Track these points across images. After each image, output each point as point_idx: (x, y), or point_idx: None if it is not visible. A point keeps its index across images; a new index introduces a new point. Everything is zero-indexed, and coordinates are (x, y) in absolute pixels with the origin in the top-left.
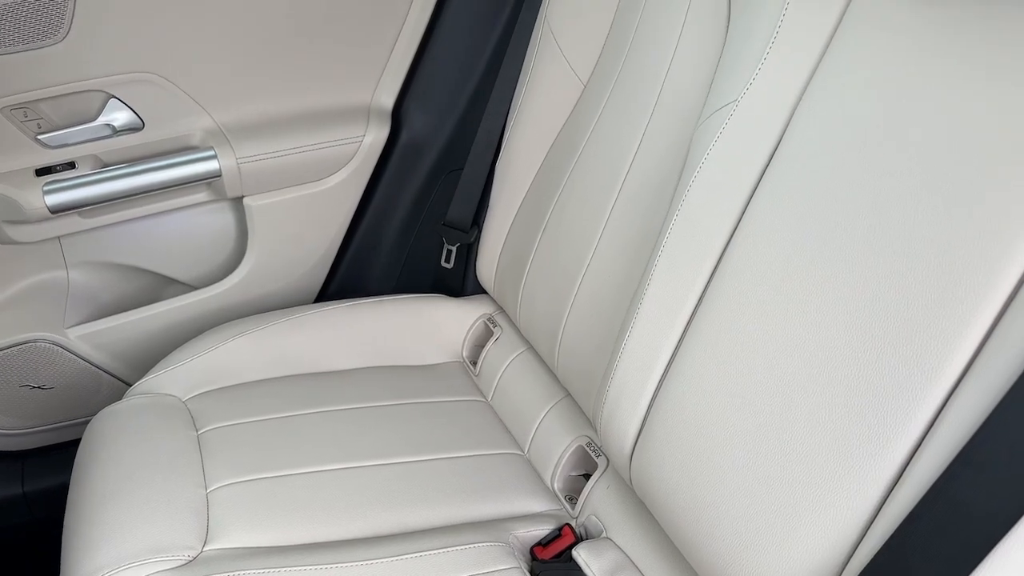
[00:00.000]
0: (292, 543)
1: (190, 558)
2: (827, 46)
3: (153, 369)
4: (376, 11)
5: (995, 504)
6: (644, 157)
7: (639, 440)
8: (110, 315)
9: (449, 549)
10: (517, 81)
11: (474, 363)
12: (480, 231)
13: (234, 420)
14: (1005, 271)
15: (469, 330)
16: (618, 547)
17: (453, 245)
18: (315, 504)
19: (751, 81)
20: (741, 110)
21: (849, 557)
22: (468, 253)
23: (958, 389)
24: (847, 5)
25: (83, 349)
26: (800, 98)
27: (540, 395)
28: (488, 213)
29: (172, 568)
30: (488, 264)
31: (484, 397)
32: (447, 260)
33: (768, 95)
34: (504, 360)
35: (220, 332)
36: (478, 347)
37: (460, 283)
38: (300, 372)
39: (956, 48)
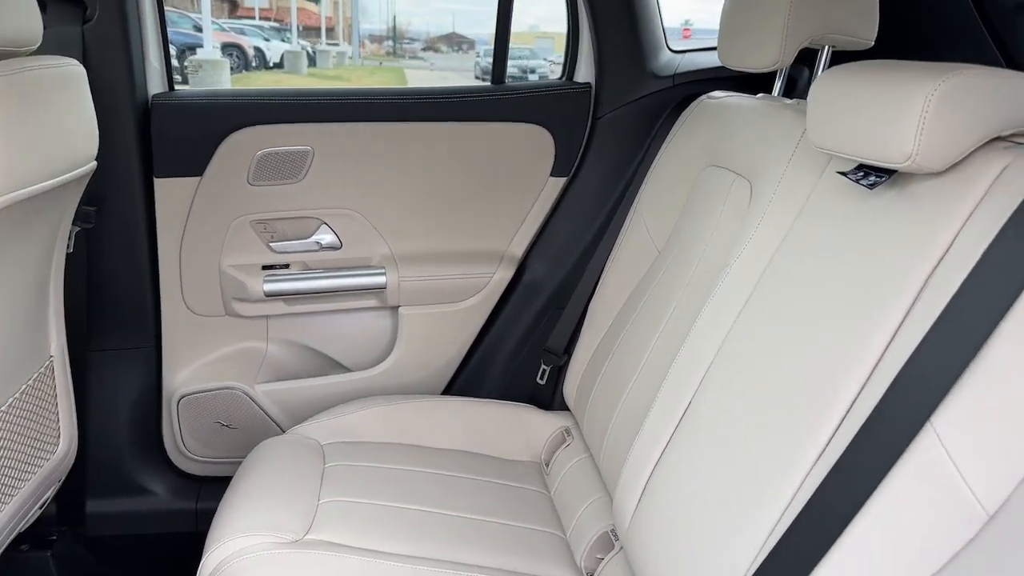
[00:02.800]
0: (368, 548)
1: (293, 540)
2: (783, 239)
3: (307, 420)
4: (521, 184)
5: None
6: (681, 306)
7: (635, 513)
8: (288, 380)
9: None
10: (614, 244)
11: (547, 464)
12: (569, 357)
13: (353, 462)
14: (847, 390)
15: (549, 438)
16: None
17: (548, 366)
18: (393, 527)
19: (739, 254)
20: (731, 273)
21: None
22: (558, 374)
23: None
24: (799, 213)
25: (264, 401)
26: (764, 270)
27: (587, 491)
28: (578, 343)
29: (277, 542)
30: (572, 385)
31: (548, 491)
32: (542, 378)
33: (745, 266)
34: (569, 463)
35: (361, 402)
36: (553, 452)
37: (549, 398)
38: (411, 443)
39: (846, 232)
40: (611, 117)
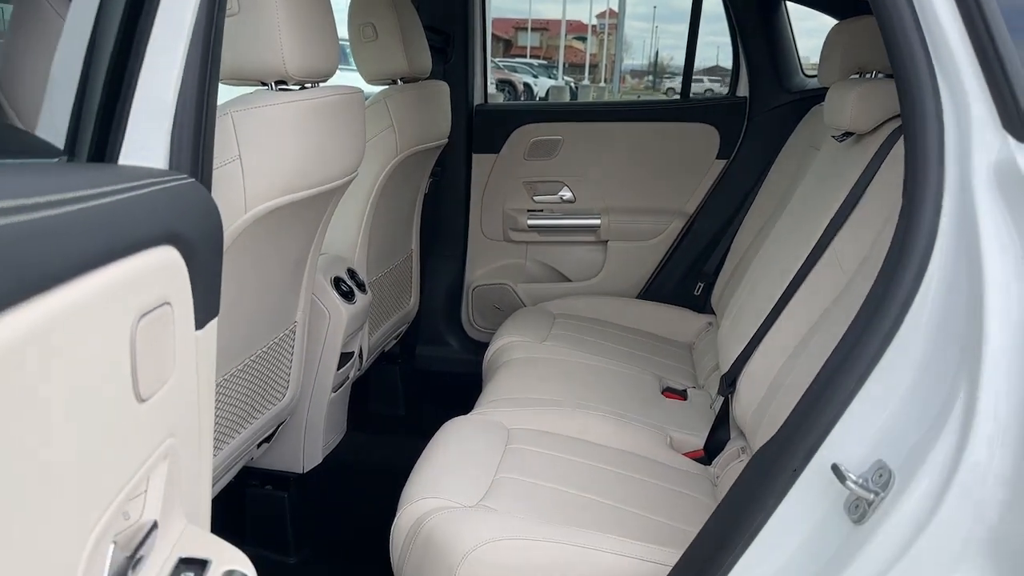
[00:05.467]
0: (580, 351)
1: (537, 341)
2: (811, 176)
3: (543, 303)
4: (696, 164)
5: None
6: (771, 231)
7: (719, 336)
8: (536, 283)
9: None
10: (753, 202)
11: (693, 344)
12: (717, 276)
13: (573, 322)
14: (811, 243)
15: (697, 328)
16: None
17: (703, 283)
18: (594, 346)
19: (795, 190)
20: (791, 202)
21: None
22: (710, 289)
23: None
24: (824, 162)
25: (522, 295)
26: (801, 196)
27: (711, 350)
28: (723, 267)
29: (529, 341)
30: (716, 293)
31: (691, 355)
32: (697, 291)
33: (798, 196)
34: (706, 339)
35: (579, 296)
36: (698, 335)
37: (702, 305)
38: (609, 320)
39: (825, 163)
40: (759, 119)
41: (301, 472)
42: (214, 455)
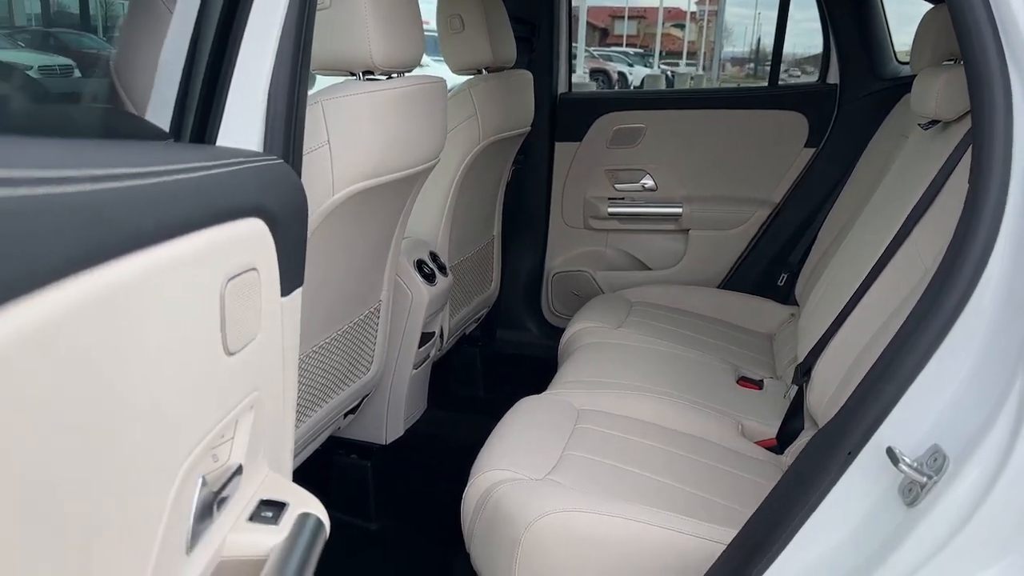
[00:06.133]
0: (655, 338)
1: (613, 327)
2: (900, 166)
3: (621, 291)
4: (783, 151)
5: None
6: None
7: (799, 322)
8: (615, 270)
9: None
10: (842, 192)
11: (774, 335)
12: (802, 266)
13: (649, 310)
14: (887, 239)
15: (779, 319)
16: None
17: (786, 274)
18: (670, 336)
19: (884, 179)
20: (881, 189)
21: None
22: (794, 279)
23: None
24: (910, 151)
25: (600, 281)
26: (889, 183)
27: (792, 340)
28: (808, 257)
29: (603, 327)
30: (801, 283)
31: (771, 345)
32: (781, 282)
33: (885, 184)
34: (787, 329)
35: (657, 285)
36: (779, 325)
37: (784, 296)
38: (688, 309)
39: (911, 151)
40: (849, 107)
41: (384, 443)
42: (303, 422)
